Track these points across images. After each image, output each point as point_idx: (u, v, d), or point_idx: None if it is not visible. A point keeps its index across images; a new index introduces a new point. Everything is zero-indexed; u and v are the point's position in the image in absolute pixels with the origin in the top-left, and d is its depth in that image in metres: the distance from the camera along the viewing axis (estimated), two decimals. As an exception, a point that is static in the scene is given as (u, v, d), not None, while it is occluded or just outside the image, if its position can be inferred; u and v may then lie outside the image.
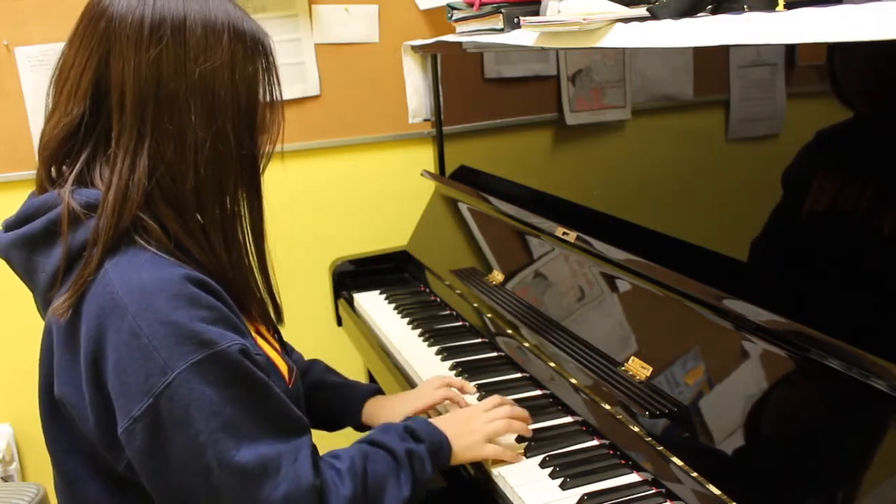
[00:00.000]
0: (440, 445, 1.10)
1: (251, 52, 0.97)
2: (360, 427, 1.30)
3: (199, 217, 0.97)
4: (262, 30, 1.00)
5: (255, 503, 0.90)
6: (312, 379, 1.33)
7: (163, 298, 0.87)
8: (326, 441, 1.16)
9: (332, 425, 1.33)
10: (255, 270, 1.06)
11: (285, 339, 1.19)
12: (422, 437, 1.08)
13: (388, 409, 1.27)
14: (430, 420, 1.14)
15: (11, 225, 0.98)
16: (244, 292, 1.03)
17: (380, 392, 1.35)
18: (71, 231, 0.92)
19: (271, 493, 0.90)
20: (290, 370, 1.08)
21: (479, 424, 1.16)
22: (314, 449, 0.98)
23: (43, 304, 0.98)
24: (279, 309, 1.12)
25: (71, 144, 0.95)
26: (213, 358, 0.87)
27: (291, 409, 0.96)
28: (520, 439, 1.19)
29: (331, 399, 1.32)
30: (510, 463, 1.15)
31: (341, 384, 1.35)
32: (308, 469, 0.93)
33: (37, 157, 0.99)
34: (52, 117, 0.97)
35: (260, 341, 1.03)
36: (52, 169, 0.97)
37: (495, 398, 1.23)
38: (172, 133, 0.93)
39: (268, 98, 1.01)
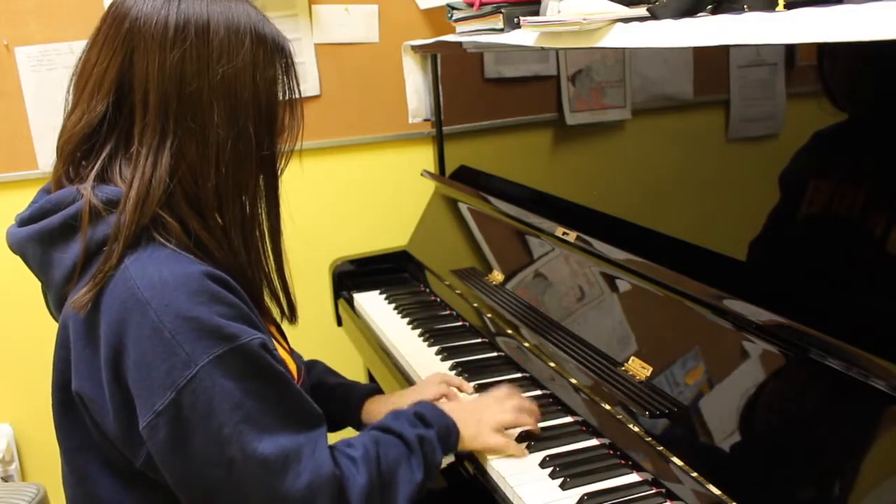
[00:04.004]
0: (448, 431, 1.12)
1: (272, 54, 0.99)
2: (360, 427, 1.30)
3: (218, 217, 0.98)
4: (282, 33, 1.02)
5: (278, 493, 0.91)
6: (312, 380, 1.34)
7: (184, 294, 0.88)
8: (332, 439, 1.16)
9: (331, 426, 1.33)
10: (272, 270, 1.07)
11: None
12: (431, 422, 1.11)
13: (388, 407, 1.28)
14: (438, 406, 1.17)
15: (26, 220, 0.98)
16: (260, 292, 1.05)
17: (378, 391, 1.36)
18: (91, 226, 0.92)
19: (294, 483, 0.92)
20: (298, 368, 1.10)
21: (487, 415, 1.18)
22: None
23: (57, 300, 0.98)
24: (294, 308, 1.13)
25: (92, 141, 0.96)
26: (235, 352, 0.89)
27: (308, 402, 0.98)
28: (524, 437, 1.19)
29: (330, 400, 1.32)
30: (515, 456, 1.15)
31: (340, 385, 1.36)
32: (327, 458, 0.96)
33: (55, 153, 0.99)
34: (73, 114, 0.97)
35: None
36: (71, 166, 0.97)
37: (505, 388, 1.25)
38: (195, 132, 0.94)
39: (287, 100, 1.03)
